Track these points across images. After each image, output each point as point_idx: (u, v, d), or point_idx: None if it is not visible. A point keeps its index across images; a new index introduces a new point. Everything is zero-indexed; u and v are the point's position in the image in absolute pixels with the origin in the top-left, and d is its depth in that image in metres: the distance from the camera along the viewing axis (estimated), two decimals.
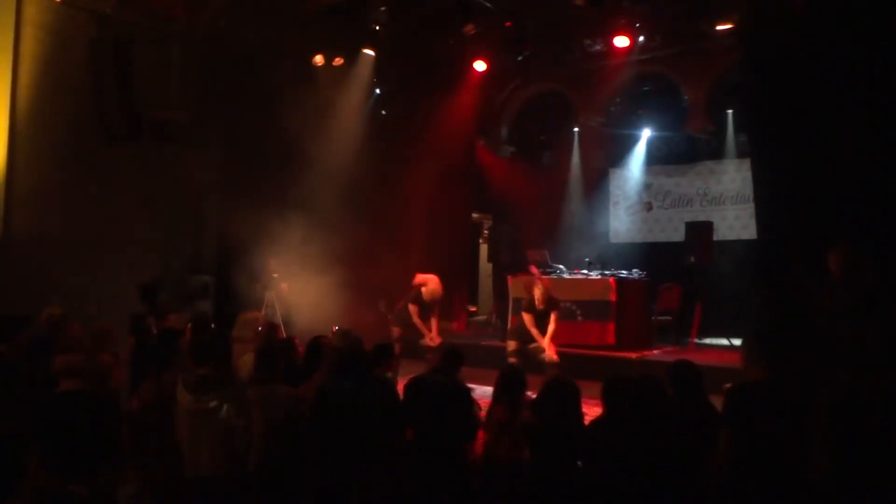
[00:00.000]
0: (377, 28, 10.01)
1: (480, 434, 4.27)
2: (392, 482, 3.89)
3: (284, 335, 6.65)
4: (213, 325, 6.07)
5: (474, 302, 13.23)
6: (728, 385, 3.55)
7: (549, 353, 7.08)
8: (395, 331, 7.66)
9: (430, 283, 7.51)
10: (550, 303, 7.35)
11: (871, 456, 2.34)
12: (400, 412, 4.23)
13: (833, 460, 2.31)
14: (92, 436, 3.42)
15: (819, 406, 2.38)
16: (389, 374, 4.86)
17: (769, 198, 7.09)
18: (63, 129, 7.91)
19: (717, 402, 3.61)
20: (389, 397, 4.22)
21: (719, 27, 8.53)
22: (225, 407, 3.74)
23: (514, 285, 10.09)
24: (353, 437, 3.87)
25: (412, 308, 7.49)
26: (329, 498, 3.77)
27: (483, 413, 4.44)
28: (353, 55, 10.34)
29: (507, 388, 4.33)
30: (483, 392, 5.61)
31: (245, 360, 4.81)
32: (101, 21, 7.78)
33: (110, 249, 8.10)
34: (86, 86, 7.78)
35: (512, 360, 7.17)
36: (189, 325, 5.57)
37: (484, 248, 13.26)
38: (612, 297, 9.21)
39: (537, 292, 7.34)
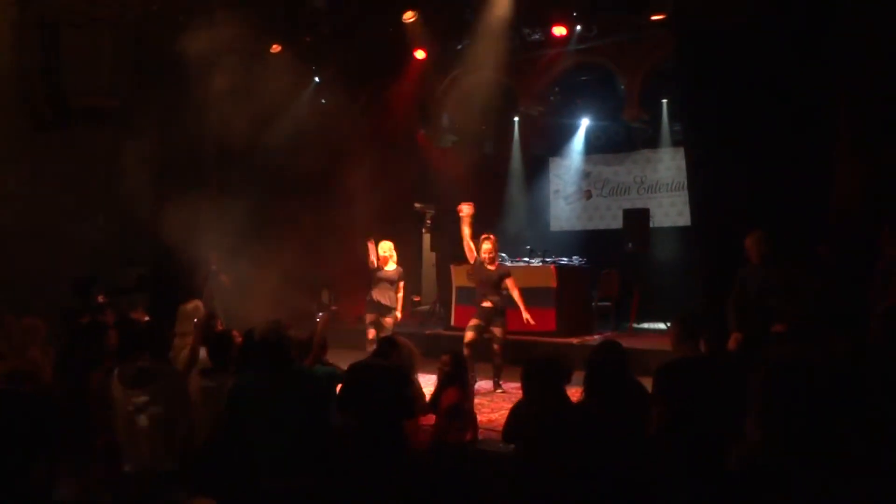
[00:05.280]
0: (316, 15, 9.86)
1: (432, 419, 4.30)
2: (332, 470, 3.86)
3: (223, 327, 6.53)
4: (147, 318, 5.93)
5: (418, 291, 13.22)
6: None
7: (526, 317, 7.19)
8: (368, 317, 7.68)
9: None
10: (502, 268, 7.40)
11: (801, 428, 2.43)
12: (330, 401, 4.16)
13: (764, 431, 2.40)
14: (16, 435, 3.27)
15: (753, 380, 2.48)
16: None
17: (703, 185, 7.31)
18: None
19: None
20: (313, 389, 3.89)
21: (653, 17, 8.70)
22: (162, 399, 3.66)
23: (457, 274, 10.13)
24: (271, 432, 3.65)
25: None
26: (270, 490, 3.70)
27: (427, 399, 4.47)
28: (291, 43, 10.16)
29: (455, 372, 4.38)
30: (427, 380, 5.64)
31: (184, 353, 4.71)
32: (24, 2, 7.45)
33: (39, 240, 7.78)
34: (11, 71, 7.44)
35: (466, 350, 6.97)
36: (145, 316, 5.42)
37: (427, 238, 13.24)
38: (553, 284, 9.34)
39: (487, 245, 7.29)
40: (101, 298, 6.67)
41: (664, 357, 4.38)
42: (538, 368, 3.70)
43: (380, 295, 7.64)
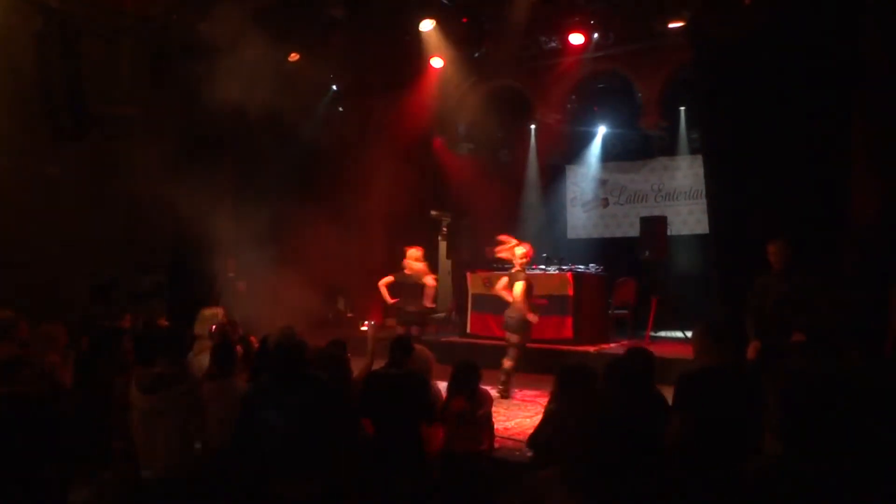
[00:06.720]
0: (333, 23, 9.92)
1: (441, 427, 4.28)
2: (348, 477, 3.85)
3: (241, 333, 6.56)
4: (166, 323, 5.97)
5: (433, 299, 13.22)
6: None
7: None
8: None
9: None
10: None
11: (821, 440, 2.39)
12: (346, 408, 4.16)
13: (784, 444, 2.36)
14: (30, 439, 3.30)
15: (772, 390, 2.44)
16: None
17: (721, 193, 7.25)
18: (9, 124, 7.66)
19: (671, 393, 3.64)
20: (325, 396, 3.84)
21: (671, 25, 8.68)
22: (178, 405, 3.68)
23: (472, 282, 10.12)
24: (284, 437, 3.63)
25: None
26: (282, 496, 3.69)
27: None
28: (308, 50, 10.23)
29: (463, 380, 4.35)
30: (442, 388, 5.61)
31: (201, 358, 4.74)
32: (47, 13, 7.55)
33: (59, 247, 7.86)
34: (32, 79, 7.54)
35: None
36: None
37: (443, 246, 13.25)
38: (570, 292, 9.30)
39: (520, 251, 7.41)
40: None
41: (683, 366, 4.33)
42: (574, 375, 3.66)
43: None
